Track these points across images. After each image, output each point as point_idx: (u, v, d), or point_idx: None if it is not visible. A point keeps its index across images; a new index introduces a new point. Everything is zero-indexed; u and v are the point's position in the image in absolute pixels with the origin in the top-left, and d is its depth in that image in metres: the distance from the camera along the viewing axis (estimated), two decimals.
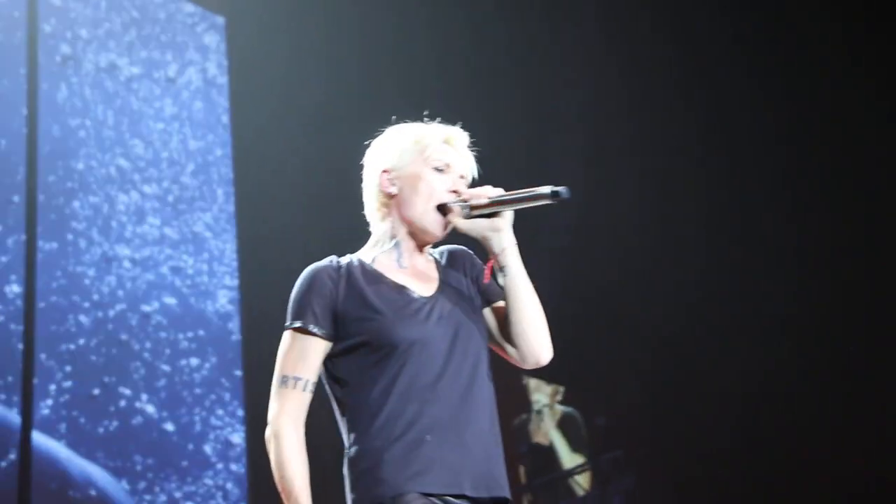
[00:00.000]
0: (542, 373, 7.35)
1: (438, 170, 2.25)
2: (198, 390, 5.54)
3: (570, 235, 6.52)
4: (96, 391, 5.17)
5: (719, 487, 6.58)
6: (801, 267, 6.54)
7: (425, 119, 2.33)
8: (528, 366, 2.26)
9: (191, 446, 5.44)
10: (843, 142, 6.42)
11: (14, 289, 4.96)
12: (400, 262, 2.26)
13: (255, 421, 5.58)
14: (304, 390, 2.17)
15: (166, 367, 5.46)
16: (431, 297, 2.22)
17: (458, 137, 2.29)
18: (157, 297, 5.52)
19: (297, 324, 2.18)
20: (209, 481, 5.42)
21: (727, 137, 6.74)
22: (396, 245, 2.27)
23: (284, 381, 2.17)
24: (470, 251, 2.37)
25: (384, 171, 2.27)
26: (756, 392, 6.56)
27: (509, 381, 7.12)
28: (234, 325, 5.77)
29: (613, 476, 7.02)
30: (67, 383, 5.08)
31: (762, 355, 6.59)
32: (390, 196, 2.27)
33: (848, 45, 6.33)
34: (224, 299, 5.77)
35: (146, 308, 5.46)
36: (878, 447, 6.23)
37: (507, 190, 2.22)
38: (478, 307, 2.28)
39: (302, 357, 2.18)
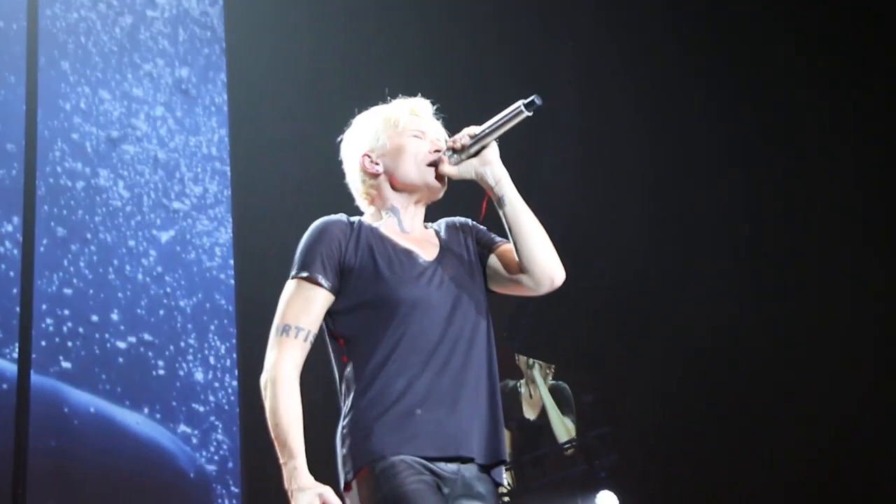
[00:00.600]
0: (534, 350, 7.44)
1: (415, 136, 2.30)
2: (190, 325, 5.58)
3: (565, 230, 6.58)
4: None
5: (706, 464, 6.67)
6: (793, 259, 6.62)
7: (388, 99, 2.38)
8: (545, 289, 2.26)
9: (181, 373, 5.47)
10: (847, 141, 6.41)
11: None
12: (402, 227, 2.29)
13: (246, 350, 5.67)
14: (304, 341, 2.15)
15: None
16: (433, 261, 2.24)
17: (423, 106, 2.35)
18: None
19: (304, 273, 2.17)
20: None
21: (734, 133, 6.75)
22: (394, 211, 2.30)
23: (286, 329, 2.15)
24: (468, 219, 2.39)
25: (364, 156, 2.31)
26: (741, 370, 6.64)
27: (500, 356, 7.19)
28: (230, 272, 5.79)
29: (600, 452, 7.11)
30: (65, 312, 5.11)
31: (749, 336, 6.67)
32: (375, 175, 2.30)
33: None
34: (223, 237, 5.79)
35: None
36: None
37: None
38: (478, 274, 2.30)
39: (305, 307, 2.16)
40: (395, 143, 2.29)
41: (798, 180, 6.57)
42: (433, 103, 2.38)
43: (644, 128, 6.81)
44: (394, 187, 2.30)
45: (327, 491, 2.04)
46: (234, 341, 5.75)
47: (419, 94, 2.41)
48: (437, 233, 2.35)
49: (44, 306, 5.01)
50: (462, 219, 2.40)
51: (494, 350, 2.25)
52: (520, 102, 2.17)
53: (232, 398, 5.64)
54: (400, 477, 2.04)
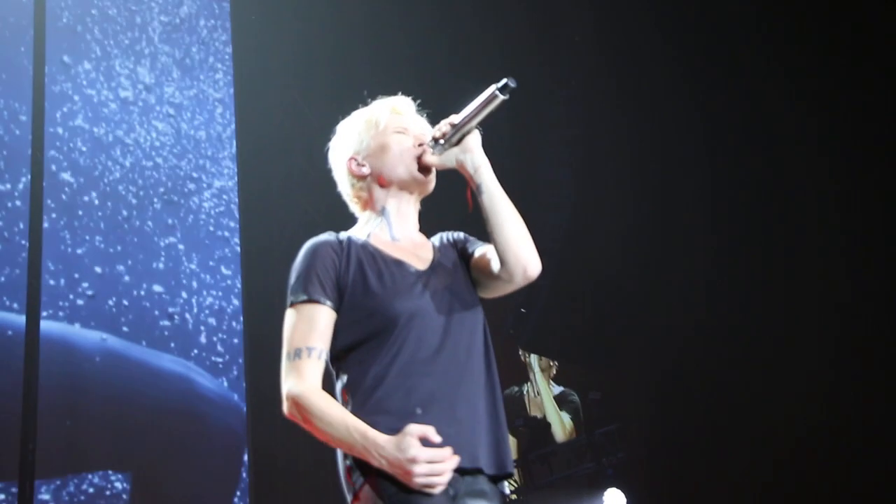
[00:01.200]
0: (538, 348, 7.46)
1: (398, 132, 2.28)
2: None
3: (564, 234, 6.60)
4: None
5: (712, 462, 6.69)
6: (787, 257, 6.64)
7: (368, 101, 2.36)
8: (518, 279, 2.20)
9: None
10: (850, 141, 6.42)
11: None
12: (393, 235, 2.27)
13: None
14: (318, 358, 2.11)
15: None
16: (426, 271, 2.22)
17: (403, 103, 2.33)
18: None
19: (303, 297, 2.14)
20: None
21: (724, 135, 6.76)
22: (385, 215, 2.29)
23: (297, 353, 2.11)
24: (460, 233, 2.36)
25: (350, 159, 2.30)
26: (748, 370, 6.65)
27: (506, 355, 7.23)
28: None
29: (607, 450, 7.13)
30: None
31: (753, 335, 6.69)
32: (363, 177, 2.29)
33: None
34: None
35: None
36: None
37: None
38: (470, 283, 2.26)
39: (312, 328, 2.12)
40: (379, 142, 2.28)
41: (784, 190, 6.62)
42: (415, 99, 2.34)
43: (638, 129, 6.82)
44: (382, 186, 2.28)
45: (412, 425, 2.00)
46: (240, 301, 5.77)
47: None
48: (433, 243, 2.32)
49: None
50: (456, 233, 2.37)
51: (493, 357, 2.21)
52: (493, 87, 2.13)
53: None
54: (401, 488, 2.00)
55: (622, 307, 7.06)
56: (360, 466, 2.04)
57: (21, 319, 4.57)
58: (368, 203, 2.30)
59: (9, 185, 5.16)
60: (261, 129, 6.13)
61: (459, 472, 2.07)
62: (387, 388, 2.08)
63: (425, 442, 1.99)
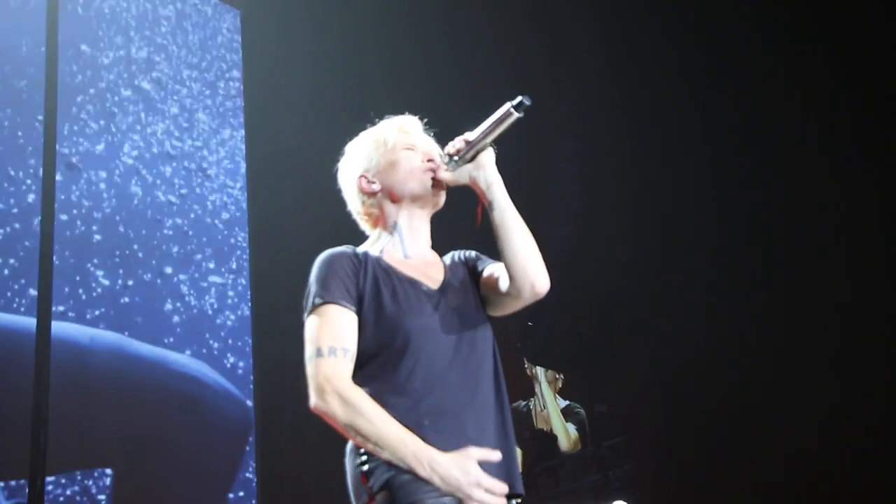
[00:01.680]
0: (545, 362, 7.49)
1: (407, 149, 2.31)
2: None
3: (571, 246, 6.62)
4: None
5: (719, 474, 6.69)
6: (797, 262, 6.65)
7: (375, 121, 2.39)
8: (526, 296, 2.21)
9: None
10: (856, 142, 6.44)
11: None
12: (405, 252, 2.28)
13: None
14: (345, 357, 2.08)
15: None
16: (438, 290, 2.23)
17: (410, 122, 2.36)
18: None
19: (328, 300, 2.13)
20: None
21: (728, 145, 6.79)
22: (397, 231, 2.30)
23: (332, 351, 2.08)
24: (471, 251, 2.39)
25: (360, 177, 2.32)
26: (754, 382, 6.67)
27: (512, 370, 7.26)
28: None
29: (613, 462, 7.13)
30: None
31: (759, 346, 6.71)
32: (373, 194, 2.31)
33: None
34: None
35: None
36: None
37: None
38: (479, 302, 2.28)
39: (338, 328, 2.11)
40: (388, 159, 2.30)
41: (791, 199, 6.65)
42: (422, 118, 2.38)
43: (647, 140, 6.86)
44: (393, 201, 2.31)
45: (471, 451, 2.01)
46: (248, 313, 5.81)
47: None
48: (444, 262, 2.35)
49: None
50: (468, 251, 2.40)
51: (503, 376, 2.23)
52: (508, 105, 2.17)
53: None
54: (417, 493, 2.00)
55: (629, 320, 7.08)
56: (377, 472, 2.04)
57: (24, 319, 4.67)
58: (380, 220, 2.33)
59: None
60: (271, 147, 6.20)
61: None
62: (399, 407, 2.07)
63: (482, 465, 2.01)
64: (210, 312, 5.70)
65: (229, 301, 5.82)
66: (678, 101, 6.70)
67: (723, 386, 6.72)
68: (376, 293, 2.16)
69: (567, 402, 7.41)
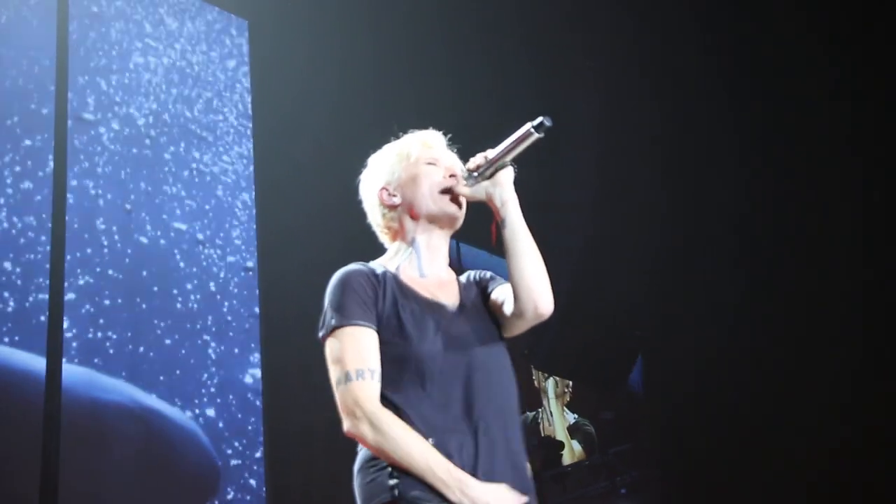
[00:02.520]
0: (552, 369, 7.50)
1: (430, 164, 2.33)
2: None
3: (580, 254, 6.63)
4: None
5: (727, 480, 6.71)
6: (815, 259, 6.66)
7: (399, 134, 2.42)
8: (529, 318, 2.24)
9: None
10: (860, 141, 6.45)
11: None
12: (422, 271, 2.29)
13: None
14: (373, 379, 2.09)
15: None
16: (455, 312, 2.25)
17: (434, 137, 2.38)
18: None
19: (343, 322, 2.13)
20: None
21: (750, 136, 6.76)
22: (415, 248, 2.31)
23: (360, 374, 2.09)
24: (486, 272, 2.41)
25: (382, 189, 2.34)
26: (763, 389, 6.67)
27: (520, 378, 7.25)
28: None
29: (620, 469, 7.16)
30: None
31: (769, 353, 6.72)
32: (394, 207, 2.33)
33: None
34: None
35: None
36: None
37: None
38: (492, 320, 2.29)
39: (365, 350, 2.11)
40: (410, 173, 2.32)
41: (811, 210, 6.65)
42: (446, 133, 2.41)
43: (660, 152, 6.87)
44: (413, 217, 2.32)
45: (503, 486, 2.03)
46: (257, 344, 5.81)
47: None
48: (459, 281, 2.37)
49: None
50: (483, 272, 2.42)
51: (518, 398, 2.26)
52: (529, 125, 2.20)
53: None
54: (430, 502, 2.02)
55: (636, 327, 7.09)
56: (384, 488, 2.05)
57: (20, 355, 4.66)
58: (399, 234, 2.34)
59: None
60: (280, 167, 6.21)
61: None
62: (420, 429, 2.07)
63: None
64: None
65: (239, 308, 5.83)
66: (697, 104, 6.68)
67: (731, 393, 6.73)
68: (395, 315, 2.17)
69: (576, 418, 7.42)
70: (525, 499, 2.05)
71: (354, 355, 2.11)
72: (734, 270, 6.84)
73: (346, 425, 2.08)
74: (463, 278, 2.39)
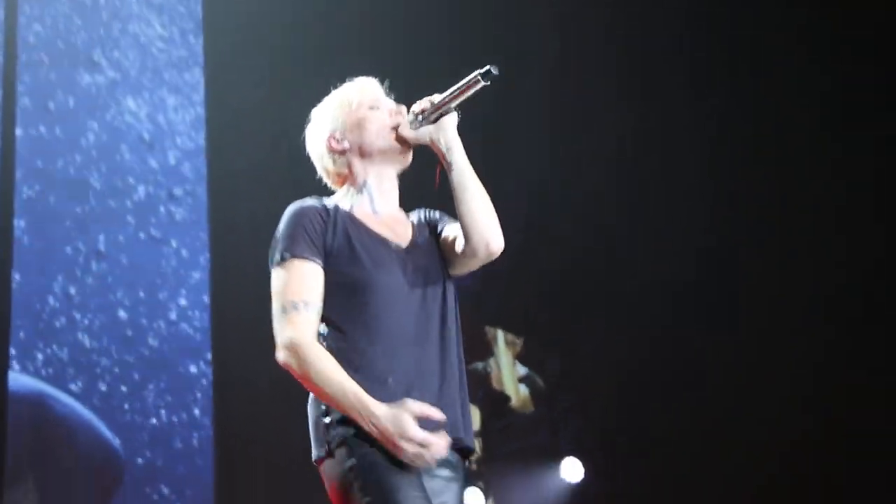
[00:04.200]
0: (501, 321, 7.50)
1: (373, 108, 2.37)
2: None
3: (531, 204, 6.61)
4: None
5: (669, 433, 6.76)
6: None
7: (336, 85, 2.45)
8: (482, 257, 2.29)
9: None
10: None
11: None
12: (374, 208, 2.34)
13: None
14: (314, 313, 2.17)
15: None
16: (407, 247, 2.31)
17: (371, 84, 2.43)
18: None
19: (287, 255, 2.20)
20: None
21: (709, 118, 6.78)
22: (367, 189, 2.35)
23: (294, 305, 2.16)
24: (435, 211, 2.46)
25: (329, 137, 2.38)
26: (714, 349, 6.69)
27: (470, 328, 7.23)
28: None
29: (565, 422, 7.21)
30: None
31: (715, 308, 6.76)
32: (343, 152, 2.36)
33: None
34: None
35: None
36: None
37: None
38: (442, 261, 2.35)
39: (304, 283, 2.18)
40: (355, 117, 2.36)
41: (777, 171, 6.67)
42: (395, 75, 2.46)
43: (615, 102, 6.83)
44: (363, 158, 2.35)
45: (411, 401, 2.08)
46: (206, 299, 5.81)
47: (392, 67, 2.51)
48: (412, 221, 2.42)
49: None
50: (433, 211, 2.46)
51: (461, 336, 2.32)
52: (476, 72, 2.23)
53: None
54: (373, 445, 2.09)
55: (588, 280, 7.10)
56: (340, 425, 2.13)
57: None
58: (349, 178, 2.38)
59: None
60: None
61: None
62: (364, 360, 2.16)
63: (423, 422, 2.07)
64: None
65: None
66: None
67: (678, 346, 6.77)
68: (348, 247, 2.23)
69: (527, 371, 7.44)
70: (436, 412, 2.08)
71: (294, 288, 2.18)
72: (702, 224, 6.82)
73: (278, 355, 2.16)
74: (414, 217, 2.44)
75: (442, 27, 6.47)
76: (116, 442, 5.41)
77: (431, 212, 2.46)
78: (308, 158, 2.46)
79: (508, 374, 7.36)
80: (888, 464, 6.20)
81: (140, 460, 5.38)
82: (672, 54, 6.75)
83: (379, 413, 2.06)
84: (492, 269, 2.42)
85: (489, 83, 2.23)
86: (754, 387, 6.50)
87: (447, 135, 2.30)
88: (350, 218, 2.29)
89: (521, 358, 7.57)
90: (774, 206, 6.69)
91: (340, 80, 2.46)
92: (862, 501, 6.27)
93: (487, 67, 2.21)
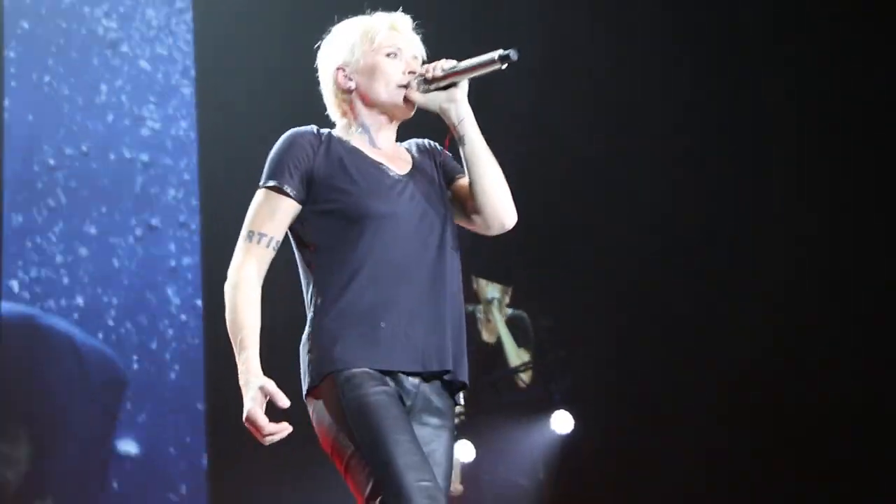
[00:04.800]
0: (491, 274, 7.50)
1: (390, 55, 2.31)
2: None
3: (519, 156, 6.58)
4: None
5: (658, 389, 6.81)
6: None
7: (368, 11, 2.39)
8: (494, 230, 2.32)
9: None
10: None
11: None
12: (373, 142, 2.32)
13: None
14: (267, 247, 2.21)
15: None
16: (405, 176, 2.28)
17: (402, 21, 2.36)
18: None
19: (271, 183, 2.22)
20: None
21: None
22: (364, 128, 2.33)
23: (251, 236, 2.22)
24: (436, 144, 2.44)
25: (339, 69, 2.34)
26: (705, 303, 6.73)
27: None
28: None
29: (555, 375, 7.24)
30: None
31: (702, 265, 6.78)
32: (349, 91, 2.33)
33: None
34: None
35: None
36: None
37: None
38: (444, 191, 2.35)
39: (271, 215, 2.21)
40: (370, 61, 2.31)
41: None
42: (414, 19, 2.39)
43: (605, 58, 6.79)
44: (365, 104, 2.32)
45: (269, 383, 2.09)
46: (198, 259, 5.85)
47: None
48: (409, 150, 2.39)
49: None
50: (431, 142, 2.44)
51: (460, 267, 2.30)
52: (495, 53, 2.20)
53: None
54: (364, 387, 2.08)
55: (579, 234, 7.11)
56: (319, 364, 2.13)
57: None
58: (348, 114, 2.35)
59: None
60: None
61: (422, 377, 2.17)
62: (357, 288, 2.15)
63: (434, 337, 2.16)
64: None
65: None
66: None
67: (671, 304, 6.79)
68: (341, 171, 2.22)
69: (512, 311, 7.44)
70: (284, 404, 2.08)
71: (260, 217, 2.22)
72: (689, 174, 6.79)
73: (227, 282, 2.21)
74: (413, 147, 2.41)
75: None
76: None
77: (431, 142, 2.44)
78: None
79: (503, 327, 7.38)
80: None
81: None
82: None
83: (246, 387, 2.09)
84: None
85: (505, 67, 2.20)
86: (746, 340, 6.49)
87: (459, 106, 2.27)
88: (344, 144, 2.28)
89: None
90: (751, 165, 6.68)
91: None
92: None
93: (508, 51, 2.19)
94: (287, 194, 2.21)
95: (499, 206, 2.28)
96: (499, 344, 7.61)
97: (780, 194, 6.59)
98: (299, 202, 2.22)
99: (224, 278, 2.23)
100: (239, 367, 2.12)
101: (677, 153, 6.78)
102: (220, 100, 6.06)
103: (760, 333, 6.45)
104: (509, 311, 7.54)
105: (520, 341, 7.49)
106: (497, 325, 7.54)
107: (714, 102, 6.79)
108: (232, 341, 2.15)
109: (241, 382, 2.11)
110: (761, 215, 6.66)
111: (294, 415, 2.12)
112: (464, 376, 2.24)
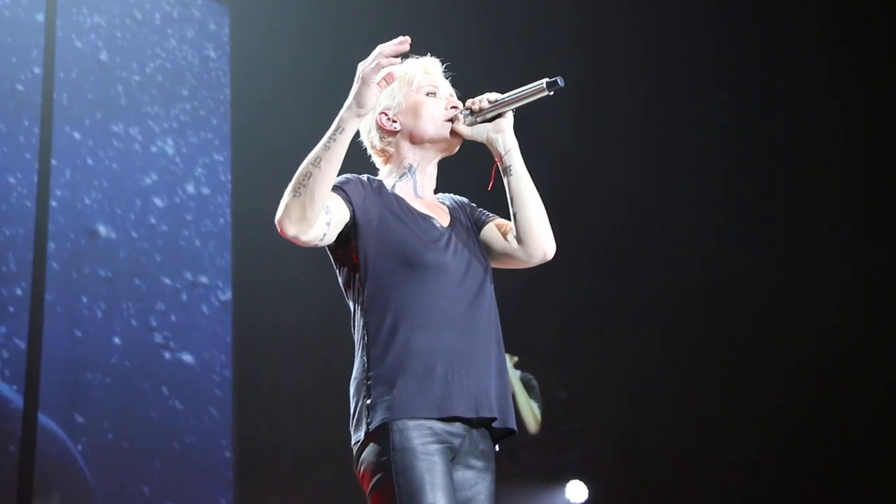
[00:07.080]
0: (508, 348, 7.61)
1: (429, 94, 2.37)
2: None
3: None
4: None
5: (670, 460, 6.90)
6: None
7: (401, 60, 2.38)
8: (536, 260, 2.34)
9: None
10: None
11: None
12: (416, 191, 2.35)
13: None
14: (325, 212, 2.17)
15: None
16: (447, 228, 2.32)
17: (434, 65, 2.43)
18: None
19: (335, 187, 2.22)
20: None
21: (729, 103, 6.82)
22: (411, 172, 2.36)
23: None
24: (464, 198, 2.49)
25: (381, 114, 2.36)
26: (713, 378, 6.84)
27: None
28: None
29: (570, 446, 7.40)
30: None
31: (719, 340, 6.88)
32: (394, 133, 2.35)
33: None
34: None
35: None
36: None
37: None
38: (481, 244, 2.37)
39: (332, 196, 2.21)
40: (412, 100, 2.35)
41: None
42: (443, 62, 2.45)
43: (639, 96, 6.88)
44: (412, 143, 2.35)
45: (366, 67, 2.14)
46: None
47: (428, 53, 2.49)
48: (445, 204, 2.42)
49: None
50: (460, 197, 2.48)
51: (499, 317, 2.32)
52: (543, 81, 2.23)
53: None
54: (414, 441, 2.11)
55: (592, 311, 7.26)
56: (379, 408, 2.14)
57: None
58: (393, 158, 2.38)
59: None
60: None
61: (470, 423, 2.19)
62: (409, 335, 2.17)
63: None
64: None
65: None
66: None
67: (679, 375, 6.89)
68: (394, 219, 2.25)
69: (520, 373, 7.54)
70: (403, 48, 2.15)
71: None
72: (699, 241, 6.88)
73: (277, 216, 2.17)
74: (447, 200, 2.46)
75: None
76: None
77: (459, 197, 2.48)
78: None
79: (521, 394, 7.47)
80: None
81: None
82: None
83: (351, 95, 2.15)
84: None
85: (553, 93, 2.23)
86: (758, 409, 6.58)
87: (506, 137, 2.32)
88: (392, 194, 2.31)
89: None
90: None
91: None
92: None
93: (556, 78, 2.22)
94: (348, 202, 2.23)
95: (541, 237, 2.31)
96: (517, 410, 7.70)
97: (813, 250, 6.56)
98: (351, 214, 2.22)
99: None
100: (346, 114, 2.15)
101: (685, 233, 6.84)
102: None
103: (775, 410, 6.52)
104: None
105: (531, 396, 7.56)
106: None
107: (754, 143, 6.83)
108: (321, 147, 2.14)
109: (351, 103, 2.15)
110: (770, 291, 6.70)
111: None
112: (512, 423, 2.26)
